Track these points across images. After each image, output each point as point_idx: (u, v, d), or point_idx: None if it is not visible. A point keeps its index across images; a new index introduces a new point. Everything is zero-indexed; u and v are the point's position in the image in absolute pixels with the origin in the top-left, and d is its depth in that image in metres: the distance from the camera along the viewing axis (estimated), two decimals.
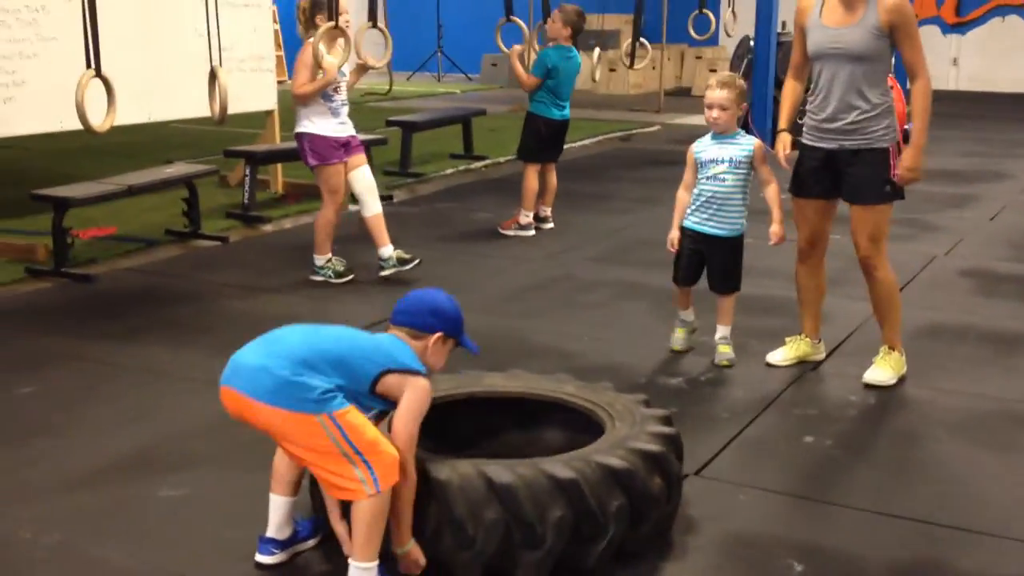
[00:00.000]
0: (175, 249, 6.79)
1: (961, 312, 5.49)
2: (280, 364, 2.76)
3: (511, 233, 7.14)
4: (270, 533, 3.05)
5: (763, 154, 4.62)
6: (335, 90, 5.80)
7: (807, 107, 4.42)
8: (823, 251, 4.61)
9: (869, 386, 4.39)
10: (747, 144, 4.59)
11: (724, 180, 4.56)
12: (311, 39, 5.59)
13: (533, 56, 7.68)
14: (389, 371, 2.84)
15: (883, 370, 4.43)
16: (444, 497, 2.82)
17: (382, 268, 5.94)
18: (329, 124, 5.79)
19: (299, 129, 5.85)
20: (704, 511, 3.35)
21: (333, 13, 5.50)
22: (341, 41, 5.68)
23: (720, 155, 4.58)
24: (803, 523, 3.35)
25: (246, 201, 7.59)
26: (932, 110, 4.24)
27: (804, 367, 4.64)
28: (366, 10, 6.19)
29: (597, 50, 8.87)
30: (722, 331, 4.72)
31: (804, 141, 4.45)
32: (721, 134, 4.60)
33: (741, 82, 4.60)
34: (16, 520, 3.28)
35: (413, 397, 2.84)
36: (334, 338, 2.93)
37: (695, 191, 4.66)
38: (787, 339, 4.73)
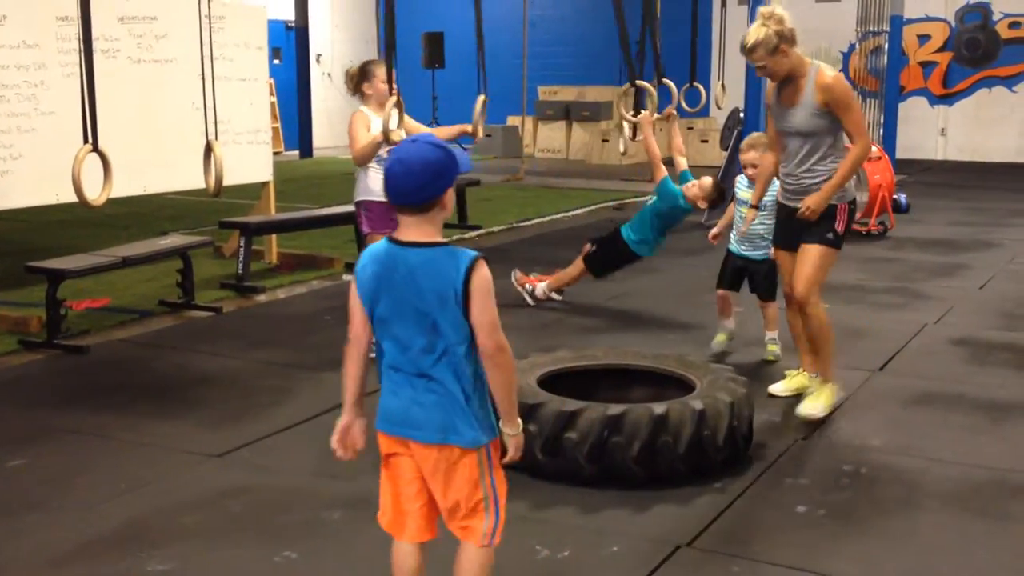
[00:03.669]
0: (169, 320, 6.81)
1: (952, 381, 5.50)
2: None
3: (520, 290, 7.10)
4: None
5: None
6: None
7: (780, 171, 4.95)
8: None
9: (807, 422, 4.72)
10: (772, 189, 5.31)
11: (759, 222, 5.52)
12: (361, 108, 5.66)
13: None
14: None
15: (817, 402, 4.78)
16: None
17: None
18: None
19: (357, 198, 5.74)
20: None
21: (391, 82, 5.48)
22: (393, 109, 5.43)
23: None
24: None
25: (240, 272, 7.63)
26: (856, 172, 4.84)
27: (795, 435, 4.65)
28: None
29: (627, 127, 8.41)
30: (771, 335, 5.80)
31: (779, 200, 5.00)
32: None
33: (765, 139, 5.39)
34: None
35: (480, 289, 2.78)
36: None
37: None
38: (787, 372, 5.25)
